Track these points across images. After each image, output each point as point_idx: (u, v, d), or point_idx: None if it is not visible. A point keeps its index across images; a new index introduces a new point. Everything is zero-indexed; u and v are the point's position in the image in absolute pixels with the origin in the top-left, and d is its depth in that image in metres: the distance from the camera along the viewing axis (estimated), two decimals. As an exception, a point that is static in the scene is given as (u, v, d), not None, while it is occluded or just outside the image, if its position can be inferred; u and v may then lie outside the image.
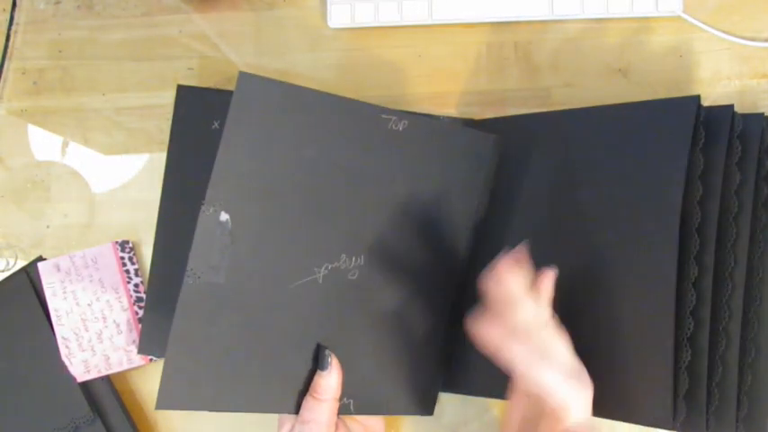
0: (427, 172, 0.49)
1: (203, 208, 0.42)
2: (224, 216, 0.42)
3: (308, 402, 0.44)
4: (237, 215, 0.43)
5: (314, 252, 0.46)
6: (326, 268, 0.46)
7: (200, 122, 0.54)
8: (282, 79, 0.45)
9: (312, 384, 0.44)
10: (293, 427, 0.44)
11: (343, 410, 0.47)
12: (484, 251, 0.51)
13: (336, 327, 0.47)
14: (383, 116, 0.47)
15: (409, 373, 0.50)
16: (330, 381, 0.44)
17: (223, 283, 0.43)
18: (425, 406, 0.51)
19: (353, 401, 0.47)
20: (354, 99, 0.46)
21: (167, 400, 0.42)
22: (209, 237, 0.42)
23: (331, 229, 0.46)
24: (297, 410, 0.45)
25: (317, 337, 0.46)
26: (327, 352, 0.45)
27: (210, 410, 0.44)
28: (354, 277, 0.47)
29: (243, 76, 0.42)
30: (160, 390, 0.42)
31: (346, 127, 0.46)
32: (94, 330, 0.54)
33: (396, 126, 0.47)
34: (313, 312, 0.46)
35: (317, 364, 0.45)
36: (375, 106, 0.47)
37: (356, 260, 0.47)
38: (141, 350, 0.53)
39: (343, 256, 0.46)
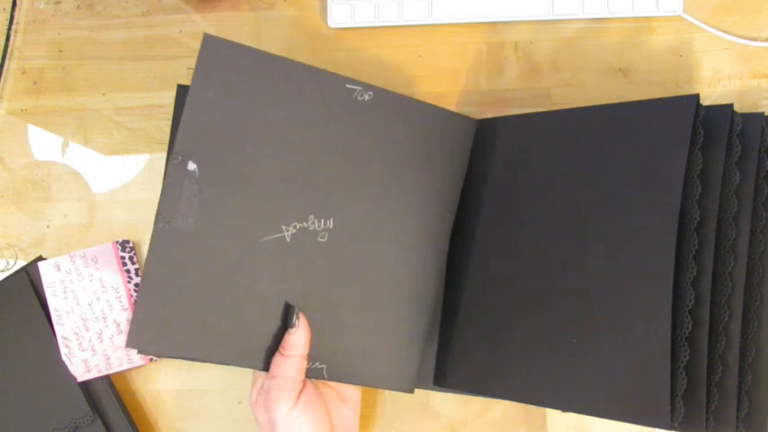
0: (396, 146, 0.50)
1: (171, 156, 0.44)
2: (191, 165, 0.44)
3: (276, 358, 0.46)
4: (205, 166, 0.45)
5: (281, 209, 0.47)
6: (294, 227, 0.47)
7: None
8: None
9: (281, 342, 0.46)
10: (263, 383, 0.46)
11: (316, 374, 0.48)
12: (477, 242, 0.51)
13: (308, 288, 0.48)
14: (348, 86, 0.48)
15: (385, 345, 0.50)
16: (297, 338, 0.46)
17: (193, 231, 0.44)
18: (403, 381, 0.51)
19: (327, 367, 0.48)
20: (318, 68, 0.47)
21: (137, 340, 0.44)
22: (177, 184, 0.44)
23: (298, 190, 0.47)
24: (267, 369, 0.46)
25: (288, 297, 0.47)
26: (295, 310, 0.46)
27: (180, 356, 0.45)
28: (324, 240, 0.48)
29: (207, 38, 0.44)
30: (130, 330, 0.43)
31: (311, 94, 0.47)
32: (95, 330, 0.54)
33: (361, 97, 0.48)
34: (284, 271, 0.47)
35: (286, 322, 0.47)
36: (340, 76, 0.48)
37: (325, 223, 0.48)
38: (142, 350, 0.53)
39: (312, 216, 0.47)
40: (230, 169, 0.45)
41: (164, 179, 0.54)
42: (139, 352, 0.53)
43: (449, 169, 0.52)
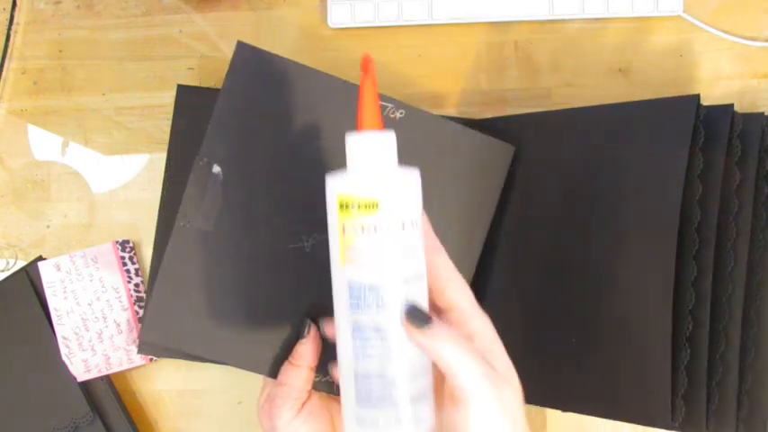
0: (425, 167, 0.48)
1: (197, 158, 0.44)
2: (216, 168, 0.44)
3: (285, 367, 0.45)
4: (230, 169, 0.45)
5: (302, 219, 0.46)
6: (314, 238, 0.46)
7: (200, 122, 0.54)
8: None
9: (292, 351, 0.46)
10: (270, 390, 0.46)
11: (325, 388, 0.47)
12: (487, 252, 0.51)
13: (323, 301, 0.47)
14: (379, 102, 0.47)
15: None
16: (307, 349, 0.45)
17: (212, 233, 0.44)
18: None
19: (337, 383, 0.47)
20: (350, 81, 0.47)
21: (151, 333, 0.44)
22: (200, 186, 0.44)
23: (322, 201, 0.46)
24: (275, 376, 0.46)
25: (303, 307, 0.46)
26: (308, 321, 0.46)
27: (190, 352, 0.45)
28: None
29: (240, 46, 0.45)
30: (144, 324, 0.44)
31: (341, 107, 0.46)
32: (95, 330, 0.54)
33: (392, 114, 0.47)
34: (300, 282, 0.46)
35: (298, 332, 0.46)
36: None
37: None
38: (141, 350, 0.53)
39: None
40: (253, 175, 0.45)
41: (161, 199, 0.54)
42: (142, 351, 0.53)
43: (480, 194, 0.50)
